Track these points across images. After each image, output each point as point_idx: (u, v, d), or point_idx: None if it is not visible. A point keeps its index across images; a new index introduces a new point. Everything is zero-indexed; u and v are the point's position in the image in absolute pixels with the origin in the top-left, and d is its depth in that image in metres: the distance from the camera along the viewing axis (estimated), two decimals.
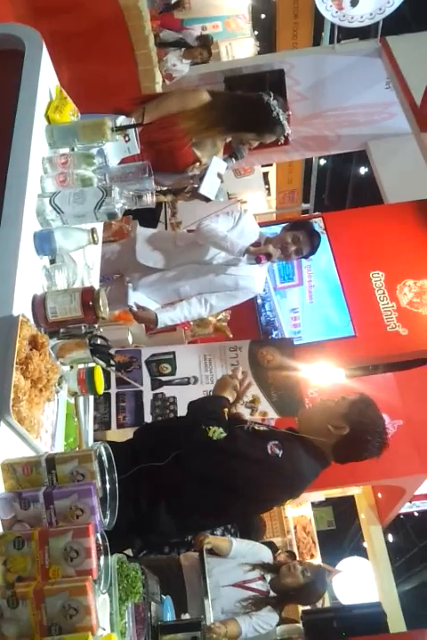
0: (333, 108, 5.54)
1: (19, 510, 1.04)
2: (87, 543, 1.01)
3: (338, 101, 5.47)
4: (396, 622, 4.70)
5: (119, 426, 3.33)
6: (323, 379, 4.49)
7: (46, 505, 1.05)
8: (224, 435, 1.75)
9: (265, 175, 8.77)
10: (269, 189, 9.45)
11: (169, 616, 2.06)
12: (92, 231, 1.41)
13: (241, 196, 7.83)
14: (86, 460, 1.11)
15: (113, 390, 3.38)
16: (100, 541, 1.33)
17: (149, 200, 1.60)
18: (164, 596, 2.08)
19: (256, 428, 1.90)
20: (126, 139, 1.68)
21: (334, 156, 8.04)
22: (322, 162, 8.90)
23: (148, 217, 3.94)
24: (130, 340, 3.57)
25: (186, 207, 4.97)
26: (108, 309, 1.40)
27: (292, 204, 8.58)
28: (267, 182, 9.37)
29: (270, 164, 8.23)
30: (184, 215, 5.30)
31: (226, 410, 1.93)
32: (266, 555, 3.18)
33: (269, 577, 3.04)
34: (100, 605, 1.40)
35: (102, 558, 1.33)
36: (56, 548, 1.00)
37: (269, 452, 1.77)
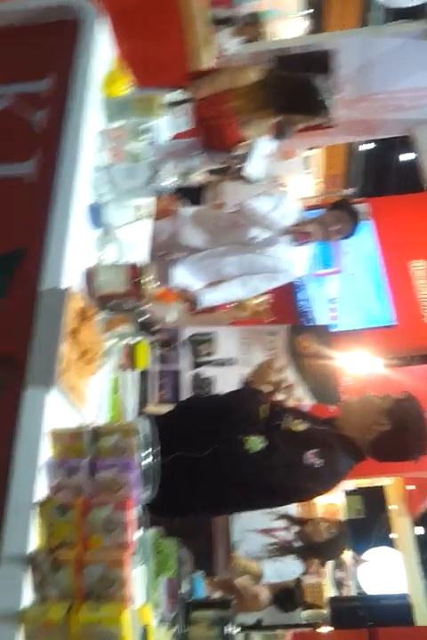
0: (379, 91, 5.36)
1: (64, 477, 1.06)
2: (126, 517, 1.02)
3: (384, 85, 5.30)
4: (423, 616, 4.64)
5: (159, 402, 3.37)
6: (360, 367, 4.42)
7: (89, 475, 1.06)
8: (262, 446, 1.73)
9: (308, 159, 8.60)
10: (312, 173, 9.28)
11: (201, 592, 2.10)
12: (142, 207, 1.41)
13: (284, 180, 7.72)
14: (129, 434, 1.12)
15: (154, 367, 3.41)
16: (138, 515, 1.36)
17: (197, 177, 1.59)
18: (196, 574, 2.12)
19: (293, 428, 1.86)
20: (178, 114, 1.66)
21: (378, 141, 7.82)
22: (365, 147, 8.68)
23: (192, 197, 3.93)
24: (171, 318, 3.59)
25: (230, 188, 4.93)
26: (154, 286, 1.40)
27: (335, 189, 8.41)
28: (310, 166, 9.19)
29: (314, 148, 8.06)
30: (228, 196, 5.26)
31: (264, 406, 1.91)
32: (291, 507, 3.21)
33: (294, 528, 3.07)
34: (136, 577, 1.43)
35: (140, 532, 1.36)
36: (97, 518, 1.01)
37: (308, 462, 1.75)
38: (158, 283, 2.89)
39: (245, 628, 3.78)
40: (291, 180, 8.09)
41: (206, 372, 3.41)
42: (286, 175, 7.99)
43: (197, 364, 3.42)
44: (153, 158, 1.51)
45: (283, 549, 3.01)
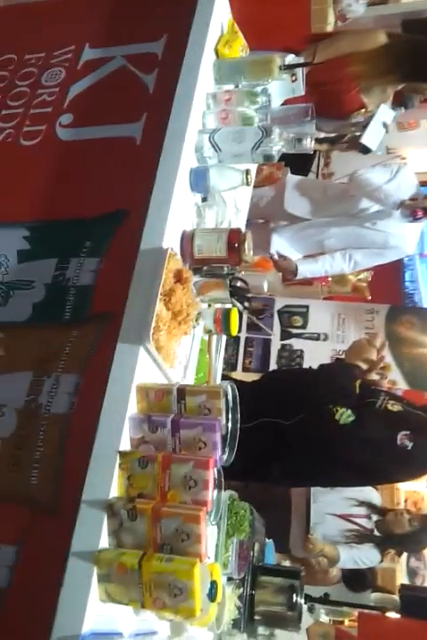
0: None
1: (147, 432, 1.11)
2: (206, 475, 1.04)
3: None
4: None
5: (244, 369, 3.40)
6: None
7: (172, 432, 1.10)
8: (352, 419, 1.70)
9: None
10: None
11: (271, 559, 2.13)
12: (247, 172, 1.39)
13: (402, 152, 7.25)
14: (214, 396, 1.14)
15: (243, 334, 3.44)
16: (217, 476, 1.39)
17: (309, 145, 1.54)
18: (268, 540, 2.15)
19: (389, 407, 1.81)
20: (293, 78, 1.61)
21: None
22: None
23: (300, 165, 3.82)
24: (265, 287, 3.54)
25: (341, 158, 4.73)
26: (252, 253, 1.39)
27: None
28: None
29: None
30: (338, 166, 5.05)
31: (358, 382, 1.87)
32: (375, 496, 3.13)
33: (374, 517, 3.00)
34: (209, 535, 1.48)
35: (216, 492, 1.39)
36: (177, 474, 1.05)
37: (399, 443, 1.71)
38: (255, 250, 2.91)
39: (312, 600, 3.81)
40: (411, 153, 7.60)
41: (297, 344, 3.37)
42: (405, 147, 7.52)
43: (288, 335, 3.39)
44: (262, 123, 1.47)
45: (361, 537, 2.95)
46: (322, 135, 2.59)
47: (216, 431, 1.10)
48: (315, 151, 3.70)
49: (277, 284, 3.58)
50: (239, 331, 3.42)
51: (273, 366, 3.35)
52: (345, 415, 1.72)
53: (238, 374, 3.36)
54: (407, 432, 1.72)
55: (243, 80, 1.53)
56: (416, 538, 3.03)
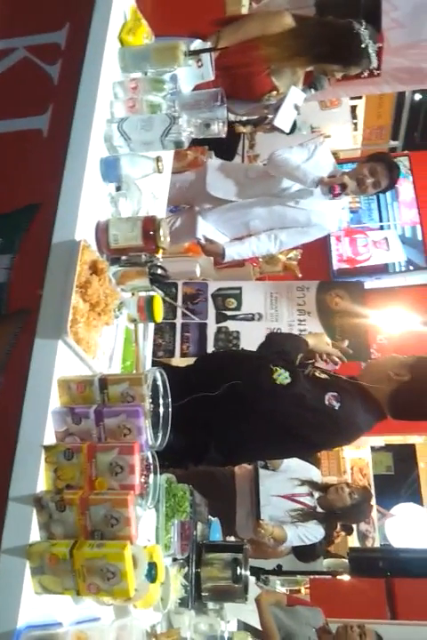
0: None
1: (71, 424, 1.12)
2: (131, 460, 1.07)
3: None
4: None
5: (183, 355, 3.43)
6: (395, 326, 4.35)
7: (96, 422, 1.11)
8: (288, 381, 1.76)
9: (353, 109, 8.23)
10: (356, 124, 8.91)
11: (217, 537, 2.18)
12: (158, 160, 1.41)
13: (325, 130, 7.45)
14: (137, 382, 1.15)
15: (178, 320, 3.47)
16: (151, 460, 1.42)
17: (219, 129, 1.56)
18: (212, 519, 2.19)
19: (317, 374, 1.89)
20: (199, 64, 1.63)
21: None
22: (417, 97, 8.23)
23: (225, 148, 3.86)
24: (198, 272, 3.61)
25: (265, 140, 4.81)
26: (168, 240, 1.41)
27: (379, 141, 8.06)
28: (355, 116, 8.82)
29: (359, 97, 7.71)
30: (263, 148, 5.14)
31: (300, 355, 1.93)
32: (315, 474, 3.26)
33: (316, 494, 3.13)
34: (147, 519, 1.50)
35: (152, 476, 1.42)
36: (103, 462, 1.07)
37: (327, 403, 1.78)
38: (183, 236, 2.93)
39: (266, 573, 3.93)
40: (334, 131, 7.81)
41: (232, 326, 3.44)
42: (328, 125, 7.71)
43: (223, 318, 3.45)
44: (170, 110, 1.49)
45: (306, 515, 3.06)
46: (233, 118, 2.63)
47: (140, 417, 1.12)
48: (240, 134, 3.76)
49: (209, 269, 3.63)
50: (175, 317, 3.47)
51: (210, 349, 3.40)
52: (283, 376, 1.77)
53: (177, 360, 3.39)
54: (335, 393, 1.79)
55: (149, 68, 1.54)
56: (358, 510, 3.18)
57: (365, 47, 2.29)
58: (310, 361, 1.99)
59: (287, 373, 1.77)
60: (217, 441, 1.88)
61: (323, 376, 1.90)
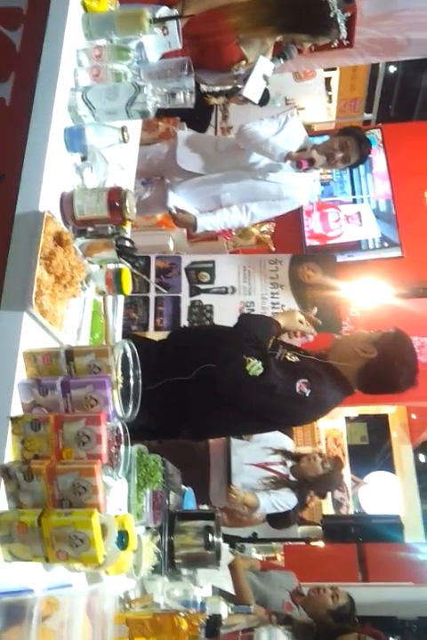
0: (405, 7, 5.02)
1: (38, 396, 1.12)
2: (98, 430, 1.08)
3: (411, 1, 4.96)
4: (412, 535, 4.89)
5: (157, 329, 3.44)
6: (367, 298, 4.41)
7: (63, 393, 1.12)
8: (260, 371, 1.77)
9: (327, 81, 8.19)
10: (330, 97, 8.88)
11: (191, 506, 2.21)
12: (123, 129, 1.39)
13: (299, 102, 7.40)
14: (103, 354, 1.16)
15: (152, 294, 3.47)
16: (121, 431, 1.43)
17: (186, 99, 1.55)
18: (186, 488, 2.23)
19: (288, 357, 1.91)
20: (165, 32, 1.60)
21: (405, 64, 7.39)
22: (392, 69, 8.22)
23: (198, 120, 3.82)
24: (171, 246, 3.60)
25: (238, 111, 4.77)
26: (135, 211, 1.40)
27: (353, 114, 8.06)
28: (329, 89, 8.78)
29: (333, 69, 7.67)
30: (236, 120, 5.09)
31: (272, 338, 1.95)
32: (288, 443, 3.32)
33: (289, 463, 3.19)
34: (119, 490, 1.52)
35: (122, 447, 1.43)
36: (69, 432, 1.07)
37: (298, 390, 1.81)
38: (154, 207, 2.90)
39: (241, 541, 4.02)
40: (308, 102, 7.77)
41: (205, 299, 3.45)
42: (302, 97, 7.66)
43: (197, 291, 3.45)
44: (135, 79, 1.47)
45: (278, 483, 3.12)
46: (205, 89, 2.60)
47: (106, 387, 1.13)
48: (212, 105, 3.72)
49: (182, 242, 3.63)
50: (148, 291, 3.47)
51: (184, 323, 3.41)
52: (255, 367, 1.78)
53: (151, 334, 3.39)
54: (305, 380, 1.82)
55: (114, 35, 1.51)
56: (329, 479, 3.24)
57: (333, 17, 2.27)
58: (282, 339, 2.00)
59: (260, 363, 1.77)
60: (190, 421, 1.91)
61: (294, 359, 1.92)
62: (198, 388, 1.84)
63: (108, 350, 1.18)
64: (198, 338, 2.12)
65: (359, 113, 8.11)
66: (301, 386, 1.82)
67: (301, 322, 1.98)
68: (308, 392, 1.81)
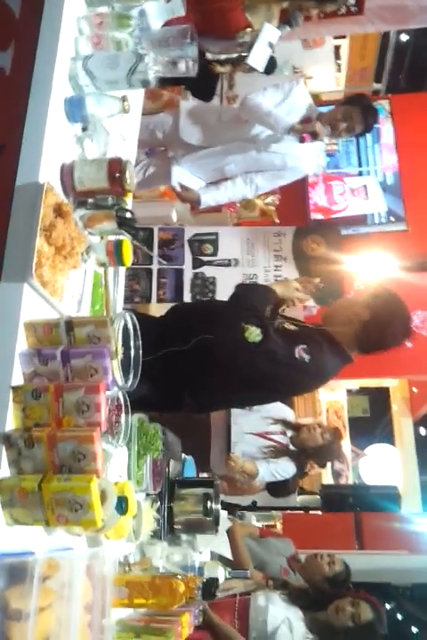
0: None
1: (38, 365, 1.14)
2: (97, 399, 1.10)
3: None
4: (409, 506, 4.98)
5: (159, 301, 3.46)
6: (372, 272, 4.40)
7: (63, 363, 1.14)
8: (259, 338, 1.79)
9: (337, 49, 8.01)
10: (340, 65, 8.70)
11: (191, 474, 2.26)
12: (124, 99, 1.38)
13: (307, 71, 7.27)
14: (102, 325, 1.18)
15: (155, 266, 3.47)
16: (122, 400, 1.46)
17: (188, 68, 1.53)
18: (186, 457, 2.28)
19: (286, 326, 1.93)
20: None
21: (418, 32, 7.21)
22: (403, 37, 8.02)
23: (203, 89, 3.77)
24: (174, 217, 3.59)
25: (244, 80, 4.69)
26: (135, 181, 1.40)
27: (363, 83, 7.89)
28: (338, 57, 8.60)
29: (343, 37, 7.50)
30: (242, 88, 5.00)
31: (270, 307, 1.96)
32: (289, 413, 3.35)
33: (289, 433, 3.23)
34: (119, 458, 1.56)
35: (122, 416, 1.46)
36: (69, 401, 1.10)
37: (297, 356, 1.82)
38: (157, 180, 2.88)
39: (241, 509, 4.09)
40: (316, 71, 7.62)
41: (208, 271, 3.45)
42: (311, 66, 7.52)
43: (200, 264, 3.45)
44: (137, 47, 1.45)
45: (278, 452, 3.15)
46: (211, 57, 2.56)
47: (106, 357, 1.15)
48: (218, 74, 3.66)
49: (186, 214, 3.61)
50: (151, 263, 3.47)
51: (187, 295, 3.42)
52: (254, 334, 1.79)
53: (154, 306, 3.41)
54: (304, 346, 1.84)
55: (115, 2, 1.49)
56: (329, 449, 3.27)
57: None
58: (281, 308, 2.02)
59: (259, 331, 1.79)
60: (191, 393, 1.93)
61: (292, 327, 1.94)
62: (197, 358, 1.86)
63: (107, 321, 1.19)
64: (197, 311, 2.13)
65: (369, 83, 7.95)
66: (299, 351, 1.83)
67: (297, 289, 1.99)
68: (307, 358, 1.83)
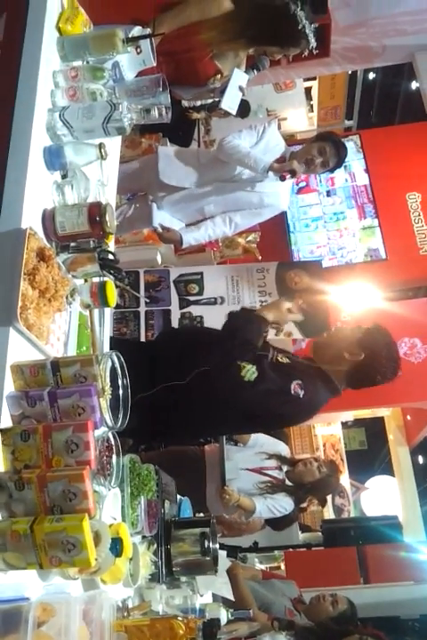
0: (378, 15, 5.14)
1: (26, 407, 1.15)
2: (86, 437, 1.10)
3: (384, 8, 5.07)
4: (411, 534, 4.92)
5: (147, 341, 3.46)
6: (357, 302, 4.46)
7: (51, 403, 1.14)
8: (255, 376, 1.81)
9: (308, 90, 8.33)
10: (312, 106, 9.02)
11: (188, 515, 2.23)
12: (101, 146, 1.43)
13: (281, 113, 7.53)
14: (88, 363, 1.19)
15: (142, 308, 3.50)
16: (112, 441, 1.45)
17: (162, 114, 1.59)
18: (182, 498, 2.25)
19: (279, 359, 1.95)
20: (138, 51, 1.65)
21: (384, 70, 7.53)
22: (371, 75, 8.37)
23: (181, 135, 3.89)
24: (159, 260, 3.64)
25: (220, 125, 4.85)
26: (115, 224, 1.44)
27: (335, 121, 8.19)
28: (310, 97, 8.92)
29: (313, 78, 7.81)
30: (219, 133, 5.17)
31: (263, 337, 1.97)
32: (283, 448, 3.33)
33: (285, 468, 3.20)
34: (111, 498, 1.54)
35: (114, 457, 1.46)
36: (58, 440, 1.10)
37: (293, 392, 1.85)
38: (139, 224, 2.94)
39: (243, 551, 4.01)
40: (290, 113, 7.89)
41: (195, 311, 3.49)
42: (284, 108, 7.79)
43: (187, 303, 3.49)
44: (111, 97, 1.51)
45: (274, 487, 3.13)
46: (187, 105, 2.66)
47: (92, 395, 1.16)
48: (195, 120, 3.79)
49: (170, 255, 3.67)
50: (138, 306, 3.49)
51: None
52: (250, 372, 1.81)
53: None
54: (299, 382, 1.87)
55: (89, 56, 1.55)
56: (326, 483, 3.26)
57: (301, 28, 2.33)
58: (273, 344, 2.02)
59: (254, 368, 1.81)
60: (190, 425, 1.94)
61: (285, 360, 1.96)
62: (194, 392, 1.86)
63: (93, 359, 1.21)
64: (189, 341, 2.13)
65: (340, 120, 8.25)
66: (295, 387, 1.86)
67: (289, 310, 2.00)
68: (302, 393, 1.86)
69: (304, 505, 3.41)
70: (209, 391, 1.85)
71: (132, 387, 1.38)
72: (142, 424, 1.80)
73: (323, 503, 4.70)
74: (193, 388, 1.85)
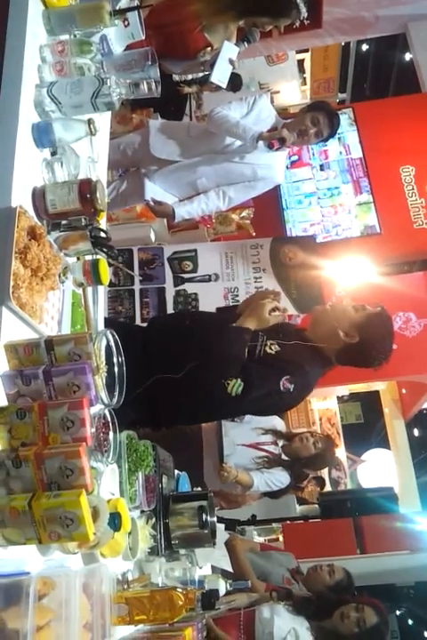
0: None
1: (21, 386, 1.15)
2: (81, 414, 1.11)
3: None
4: (406, 506, 4.99)
5: (143, 320, 3.47)
6: (351, 277, 4.46)
7: (46, 381, 1.15)
8: (241, 388, 1.79)
9: (300, 63, 8.22)
10: (305, 79, 8.91)
11: (186, 489, 2.26)
12: (90, 122, 1.42)
13: (273, 86, 7.44)
14: (81, 341, 1.19)
15: (137, 286, 3.49)
16: (109, 418, 1.46)
17: (152, 89, 1.57)
18: (180, 473, 2.27)
19: (267, 350, 1.90)
20: (126, 23, 1.63)
21: (378, 41, 7.43)
22: (364, 47, 8.26)
23: (172, 110, 3.84)
24: (152, 237, 3.63)
25: (212, 98, 4.78)
26: (107, 200, 1.43)
27: (328, 94, 8.10)
28: (303, 70, 8.80)
29: (306, 51, 7.70)
30: (210, 107, 5.11)
31: (246, 346, 1.91)
32: (279, 423, 3.36)
33: (281, 442, 3.23)
34: (109, 474, 1.56)
35: (111, 434, 1.47)
36: (54, 418, 1.11)
37: (282, 388, 1.85)
38: (131, 199, 2.92)
39: (241, 524, 4.07)
40: (282, 86, 7.79)
41: (190, 288, 3.48)
42: (277, 81, 7.69)
43: (181, 281, 3.49)
44: (99, 71, 1.49)
45: (271, 462, 3.16)
46: (177, 79, 2.62)
47: (87, 373, 1.16)
48: (186, 94, 3.74)
49: (163, 233, 3.65)
50: (132, 284, 3.49)
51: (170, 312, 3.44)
52: (236, 386, 1.79)
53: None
54: (288, 376, 1.85)
55: (75, 29, 1.52)
56: (322, 457, 3.30)
57: None
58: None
59: (239, 381, 1.79)
60: (186, 412, 1.97)
61: (273, 349, 1.90)
62: (188, 384, 1.84)
63: (87, 337, 1.21)
64: (178, 335, 2.08)
65: (334, 93, 8.15)
66: (284, 383, 1.85)
67: (272, 310, 1.89)
68: (292, 387, 1.85)
69: (302, 484, 3.45)
70: (198, 389, 1.85)
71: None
72: (139, 416, 1.84)
73: (322, 485, 4.77)
74: (185, 383, 1.83)
